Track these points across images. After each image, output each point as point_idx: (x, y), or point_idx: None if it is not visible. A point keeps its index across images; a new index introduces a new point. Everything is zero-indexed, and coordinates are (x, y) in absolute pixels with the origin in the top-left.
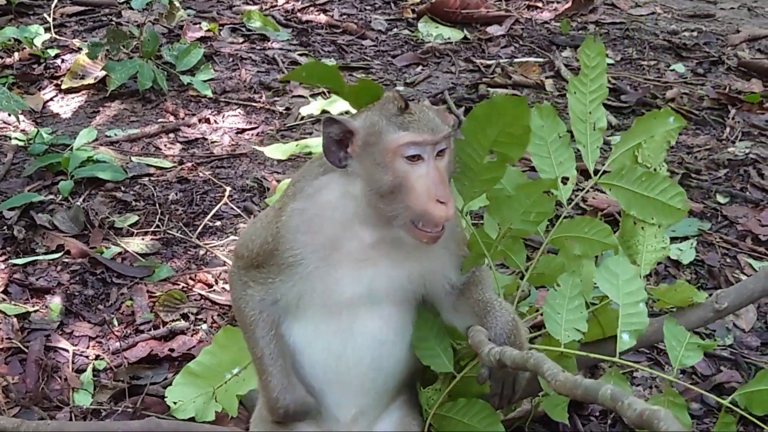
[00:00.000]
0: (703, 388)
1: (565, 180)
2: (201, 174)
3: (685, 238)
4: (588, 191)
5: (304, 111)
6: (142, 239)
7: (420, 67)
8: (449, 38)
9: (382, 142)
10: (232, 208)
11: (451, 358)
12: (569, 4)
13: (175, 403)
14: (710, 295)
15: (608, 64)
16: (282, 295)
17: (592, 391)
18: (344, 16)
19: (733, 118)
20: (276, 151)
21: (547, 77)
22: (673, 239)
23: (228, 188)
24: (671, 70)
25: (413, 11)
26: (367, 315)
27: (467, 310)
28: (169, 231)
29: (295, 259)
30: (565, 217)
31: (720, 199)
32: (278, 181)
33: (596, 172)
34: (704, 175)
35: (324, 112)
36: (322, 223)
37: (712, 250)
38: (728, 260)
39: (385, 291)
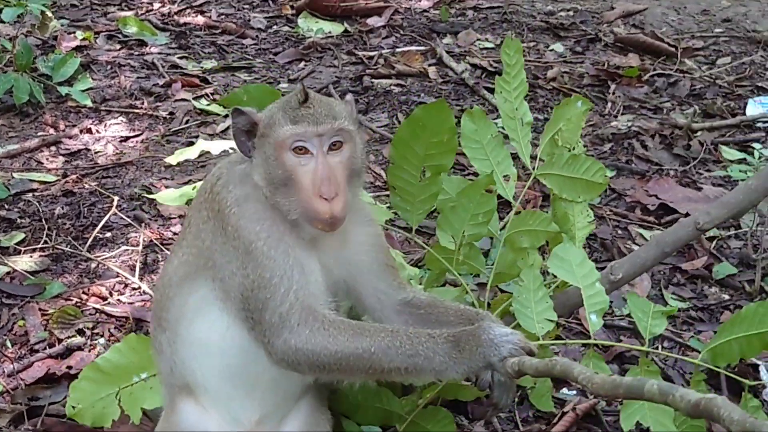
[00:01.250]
0: (605, 358)
1: (506, 178)
2: (87, 186)
3: None
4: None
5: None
6: (30, 257)
7: (303, 63)
8: (330, 32)
9: (273, 134)
10: (121, 218)
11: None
12: None
13: (74, 407)
14: (605, 267)
15: (487, 48)
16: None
17: (635, 389)
18: (222, 17)
19: (613, 93)
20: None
21: (429, 65)
22: None
23: (116, 198)
24: (550, 50)
25: (292, 7)
26: None
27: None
28: (57, 246)
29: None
30: (516, 214)
31: (607, 172)
32: (167, 187)
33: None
34: (590, 151)
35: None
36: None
37: (603, 224)
38: (620, 232)
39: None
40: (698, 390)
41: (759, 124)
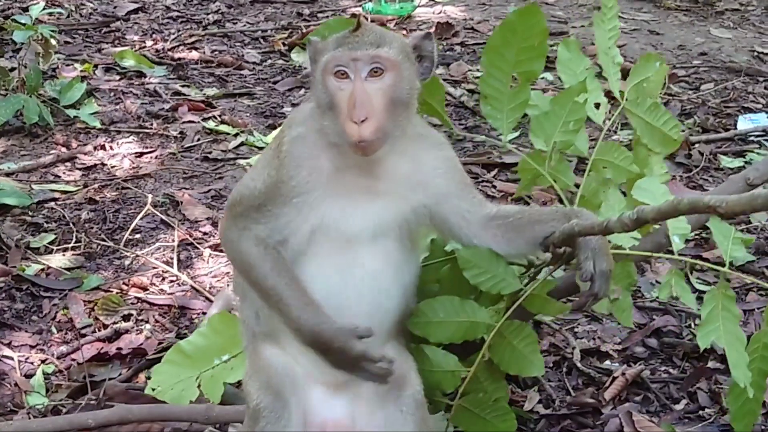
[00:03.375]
0: (644, 334)
1: (597, 105)
2: (108, 195)
3: None
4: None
5: None
6: (63, 255)
7: (303, 90)
8: None
9: (320, 59)
10: (148, 222)
11: (515, 274)
12: (433, 29)
13: (153, 389)
14: None
15: (477, 78)
16: (291, 232)
17: None
18: (216, 52)
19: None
20: None
21: None
22: None
23: (149, 197)
24: (542, 78)
25: (284, 44)
26: (371, 249)
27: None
28: (89, 246)
29: (302, 188)
30: (603, 139)
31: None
32: (190, 195)
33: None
34: None
35: None
36: (324, 147)
37: None
38: None
39: (390, 225)
40: None
41: (752, 138)
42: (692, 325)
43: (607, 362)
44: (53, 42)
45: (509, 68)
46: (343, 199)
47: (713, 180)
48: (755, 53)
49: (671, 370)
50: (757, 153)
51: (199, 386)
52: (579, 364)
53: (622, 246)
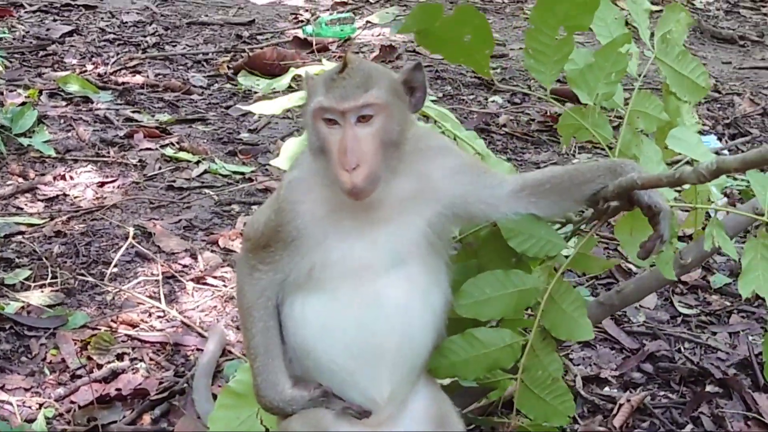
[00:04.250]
0: (638, 359)
1: (629, 55)
2: (76, 227)
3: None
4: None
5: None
6: (42, 291)
7: (257, 115)
8: (275, 88)
9: (309, 103)
10: (123, 255)
11: (558, 235)
12: (377, 53)
13: None
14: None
15: (432, 100)
16: (291, 270)
17: None
18: (160, 76)
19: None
20: (266, 107)
21: None
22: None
23: (131, 230)
24: (492, 102)
25: (229, 67)
26: (392, 279)
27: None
28: (67, 282)
29: (299, 232)
30: (639, 89)
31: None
32: (162, 226)
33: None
34: None
35: None
36: (320, 189)
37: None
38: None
39: (407, 247)
40: None
41: None
42: (682, 349)
43: (607, 389)
44: (0, 68)
45: (558, 22)
46: (346, 235)
47: None
48: None
49: (670, 395)
50: None
51: (261, 421)
52: (582, 392)
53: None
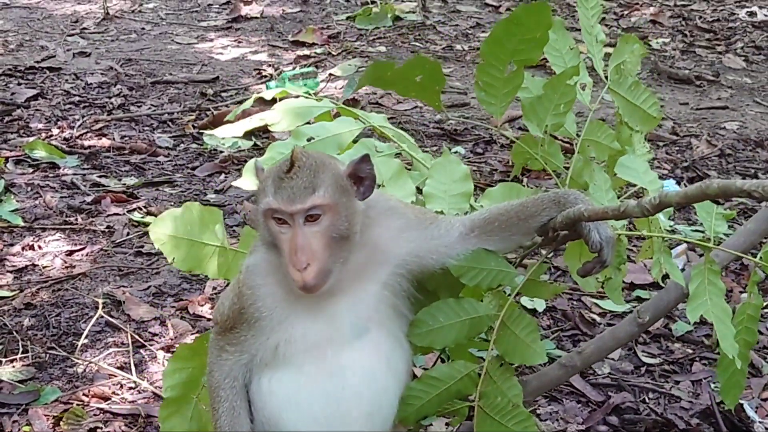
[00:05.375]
0: (603, 412)
1: (582, 86)
2: (45, 298)
3: None
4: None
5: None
6: (13, 367)
7: (223, 175)
8: (240, 147)
9: (259, 201)
10: (93, 326)
11: (508, 264)
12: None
13: None
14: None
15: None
16: (257, 349)
17: None
18: (126, 138)
19: (527, 185)
20: (229, 130)
21: None
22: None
23: (100, 301)
24: (454, 152)
25: (194, 126)
26: (355, 348)
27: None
28: (37, 356)
29: (261, 313)
30: (590, 120)
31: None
32: (131, 294)
33: None
34: None
35: None
36: (276, 273)
37: (559, 296)
38: (575, 302)
39: (366, 314)
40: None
41: None
42: (646, 399)
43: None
44: None
45: (507, 57)
46: (307, 312)
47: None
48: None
49: None
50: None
51: None
52: None
53: (613, 227)
